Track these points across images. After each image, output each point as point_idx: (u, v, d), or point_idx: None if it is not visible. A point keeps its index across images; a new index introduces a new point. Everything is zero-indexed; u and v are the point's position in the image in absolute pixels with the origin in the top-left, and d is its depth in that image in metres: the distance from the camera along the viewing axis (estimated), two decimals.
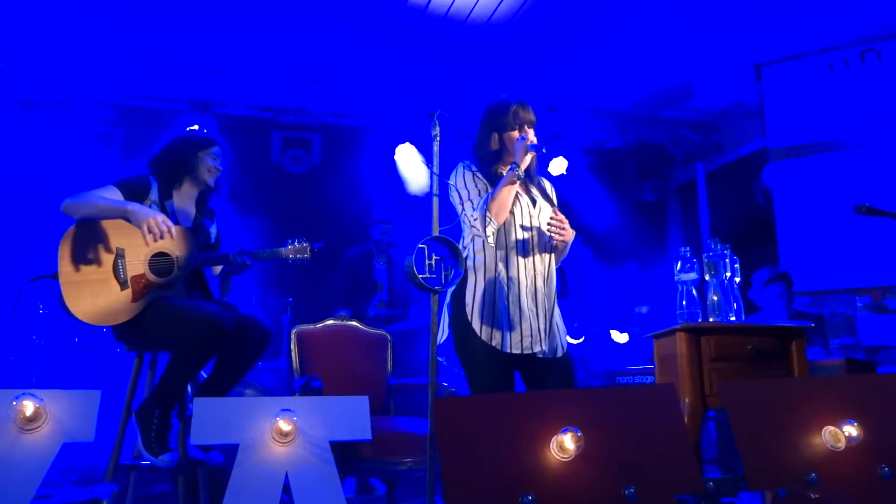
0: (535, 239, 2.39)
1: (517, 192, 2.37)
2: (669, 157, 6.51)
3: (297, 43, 4.65)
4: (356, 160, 5.66)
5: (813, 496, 1.59)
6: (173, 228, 2.39)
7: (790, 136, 4.97)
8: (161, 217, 2.37)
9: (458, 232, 2.47)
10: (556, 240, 2.38)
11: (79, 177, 4.61)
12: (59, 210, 2.46)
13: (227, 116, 5.39)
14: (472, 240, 2.41)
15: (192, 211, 2.69)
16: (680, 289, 2.28)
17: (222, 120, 5.30)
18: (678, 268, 2.29)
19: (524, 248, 2.36)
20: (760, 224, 5.41)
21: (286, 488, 1.52)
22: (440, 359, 2.52)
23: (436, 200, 2.46)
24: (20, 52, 4.58)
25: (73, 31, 4.39)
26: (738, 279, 2.28)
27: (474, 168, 2.46)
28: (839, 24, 4.51)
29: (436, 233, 2.42)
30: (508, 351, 2.29)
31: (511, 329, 2.30)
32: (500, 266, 2.35)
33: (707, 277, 2.28)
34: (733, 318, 2.23)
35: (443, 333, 2.46)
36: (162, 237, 2.36)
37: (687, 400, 2.09)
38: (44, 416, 1.42)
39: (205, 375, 2.60)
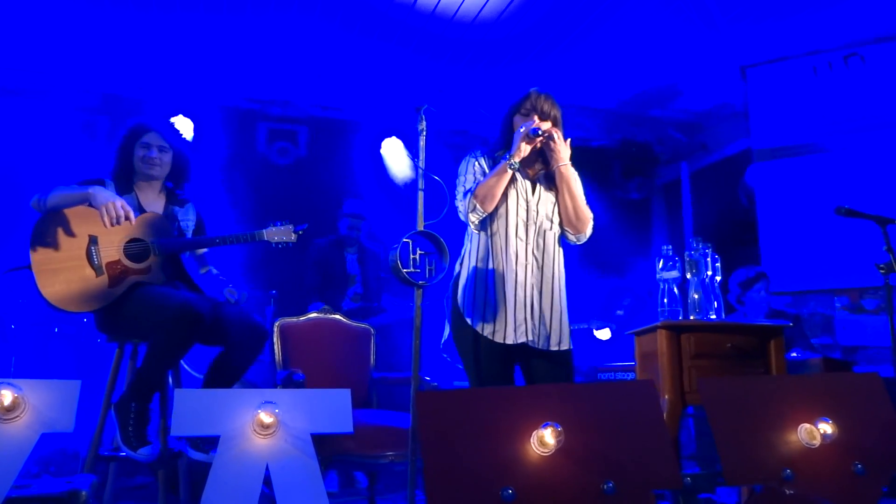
0: (532, 226, 2.34)
1: (517, 177, 2.34)
2: (655, 156, 6.55)
3: (285, 35, 4.63)
4: (343, 153, 5.64)
5: (788, 492, 1.61)
6: (131, 214, 2.38)
7: (774, 138, 5.02)
8: (120, 202, 2.36)
9: (443, 226, 2.47)
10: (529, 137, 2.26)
11: (62, 166, 4.56)
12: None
13: (213, 107, 5.34)
14: (470, 230, 2.40)
15: (161, 202, 2.69)
16: (662, 287, 2.30)
17: (208, 110, 5.26)
18: (660, 266, 2.31)
19: (518, 236, 2.33)
20: (743, 224, 5.46)
21: (267, 480, 1.52)
22: (445, 356, 2.51)
23: (421, 195, 2.45)
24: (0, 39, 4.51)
25: (56, 18, 4.33)
26: (718, 278, 2.31)
27: (479, 155, 2.43)
28: (824, 27, 4.56)
29: (421, 227, 2.42)
30: (501, 341, 2.27)
31: (501, 318, 2.27)
32: (493, 254, 2.33)
33: (689, 276, 2.31)
34: (713, 317, 2.26)
35: (446, 329, 2.44)
36: (118, 222, 2.35)
37: (667, 396, 2.11)
38: (22, 406, 1.40)
39: (198, 376, 2.60)
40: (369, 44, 4.72)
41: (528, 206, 2.36)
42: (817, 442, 1.65)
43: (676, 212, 6.50)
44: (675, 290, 2.29)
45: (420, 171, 2.43)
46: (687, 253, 2.33)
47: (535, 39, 4.67)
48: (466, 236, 2.46)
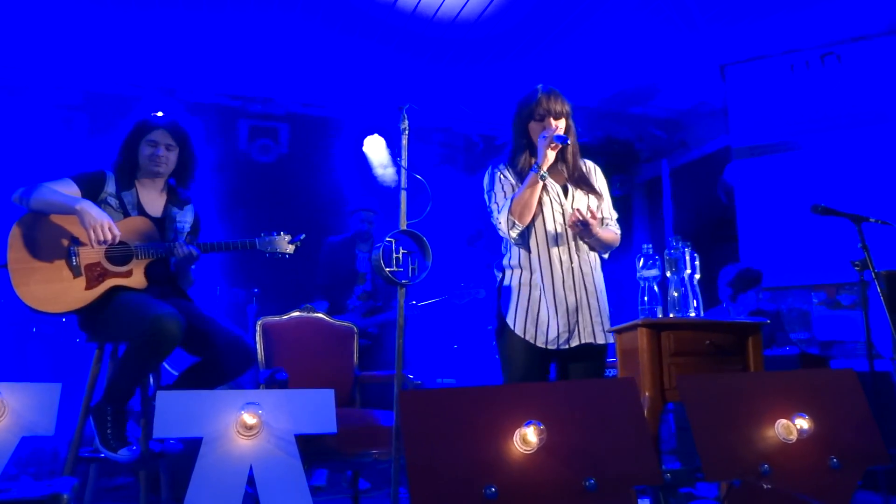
0: (568, 230, 2.36)
1: (547, 183, 2.36)
2: (636, 153, 6.61)
3: (265, 32, 4.60)
4: (325, 150, 5.62)
5: (766, 486, 1.64)
6: (119, 237, 2.36)
7: (752, 136, 5.08)
8: (108, 224, 2.32)
9: (425, 225, 2.48)
10: (572, 230, 2.34)
11: (40, 162, 4.50)
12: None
13: (194, 104, 5.30)
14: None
15: (162, 201, 2.65)
16: (642, 285, 2.32)
17: (188, 107, 5.22)
18: (640, 264, 2.34)
19: (556, 241, 2.35)
20: (722, 221, 5.52)
21: (251, 481, 1.52)
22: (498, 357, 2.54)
23: (403, 194, 2.46)
24: None
25: (38, 15, 4.26)
26: (698, 276, 2.34)
27: (503, 167, 2.44)
28: (801, 26, 4.62)
29: (403, 226, 2.42)
30: (544, 347, 2.30)
31: (547, 325, 2.30)
32: (535, 262, 2.35)
33: (668, 274, 2.33)
34: (693, 314, 2.28)
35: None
36: (105, 243, 2.33)
37: (647, 393, 2.14)
38: (2, 410, 1.39)
39: (175, 373, 2.58)
40: (350, 41, 4.71)
41: (563, 210, 2.39)
42: (794, 437, 1.68)
43: (657, 208, 6.56)
44: (655, 288, 2.31)
45: (403, 170, 2.43)
46: (667, 251, 2.36)
47: (515, 39, 4.69)
48: (504, 244, 2.48)
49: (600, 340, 2.37)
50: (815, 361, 3.56)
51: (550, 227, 2.37)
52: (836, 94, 4.81)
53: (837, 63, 4.81)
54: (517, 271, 2.39)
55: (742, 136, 5.12)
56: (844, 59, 4.79)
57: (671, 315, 2.29)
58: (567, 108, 2.41)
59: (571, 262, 2.36)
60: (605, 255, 2.51)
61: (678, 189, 6.35)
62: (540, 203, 2.35)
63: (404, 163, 2.44)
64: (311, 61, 5.01)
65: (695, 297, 2.29)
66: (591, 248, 2.44)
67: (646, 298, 2.31)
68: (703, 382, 1.79)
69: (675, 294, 2.29)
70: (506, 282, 2.43)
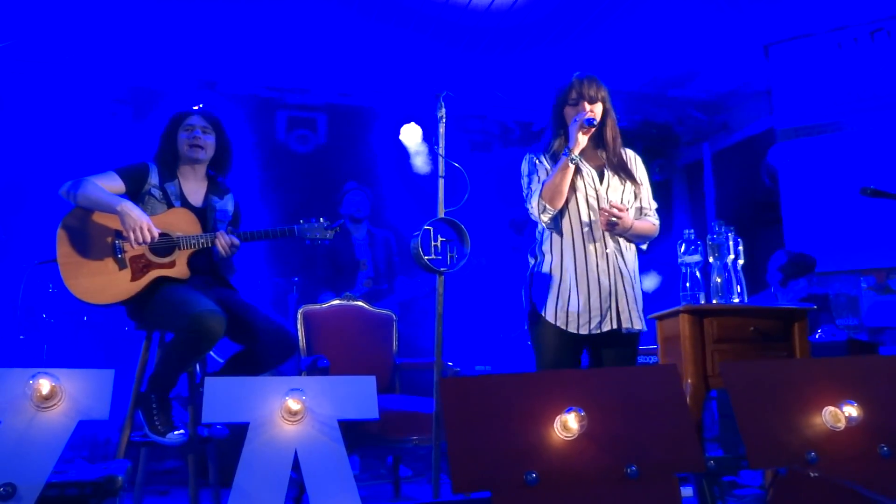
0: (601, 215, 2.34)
1: (581, 168, 2.34)
2: (676, 136, 6.48)
3: (302, 23, 4.63)
4: (362, 140, 5.65)
5: (812, 474, 1.61)
6: (157, 237, 2.42)
7: (797, 117, 4.94)
8: (148, 225, 2.39)
9: (463, 212, 2.48)
10: (604, 229, 2.32)
11: (88, 154, 4.63)
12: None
13: (234, 96, 5.38)
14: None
15: (203, 191, 2.70)
16: (684, 270, 2.29)
17: (228, 99, 5.30)
18: (682, 250, 2.30)
19: (590, 225, 2.33)
20: (766, 205, 5.39)
21: (295, 466, 1.55)
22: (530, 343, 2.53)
23: (441, 182, 2.46)
24: (24, 30, 4.57)
25: (80, 9, 4.37)
26: (741, 261, 2.29)
27: (540, 154, 2.44)
28: (849, 2, 4.46)
29: (441, 214, 2.43)
30: (576, 332, 2.29)
31: (578, 311, 2.29)
32: (567, 247, 2.34)
33: (711, 259, 2.29)
34: (736, 300, 2.24)
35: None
36: (145, 243, 2.40)
37: (689, 380, 2.11)
38: (59, 395, 1.45)
39: (221, 361, 2.64)
40: (386, 30, 4.72)
41: (597, 195, 2.37)
42: (842, 424, 1.65)
43: (698, 193, 6.43)
44: (698, 274, 2.28)
45: (440, 158, 2.44)
46: (709, 237, 2.32)
47: (550, 25, 4.64)
48: (538, 230, 2.48)
49: (637, 326, 2.35)
50: (864, 348, 3.46)
51: (584, 212, 2.34)
52: (886, 71, 4.63)
53: (888, 39, 4.63)
54: (548, 257, 2.38)
55: (787, 117, 4.98)
56: (895, 35, 4.61)
57: (714, 301, 2.25)
58: (603, 93, 2.40)
59: (605, 248, 2.33)
60: (644, 247, 2.46)
61: (720, 172, 6.22)
62: (573, 187, 2.33)
63: (442, 150, 2.44)
64: (347, 51, 5.03)
65: (738, 282, 2.25)
66: (627, 239, 2.42)
67: (688, 284, 2.28)
68: (747, 369, 1.76)
69: (718, 280, 2.25)
70: (537, 268, 2.42)
